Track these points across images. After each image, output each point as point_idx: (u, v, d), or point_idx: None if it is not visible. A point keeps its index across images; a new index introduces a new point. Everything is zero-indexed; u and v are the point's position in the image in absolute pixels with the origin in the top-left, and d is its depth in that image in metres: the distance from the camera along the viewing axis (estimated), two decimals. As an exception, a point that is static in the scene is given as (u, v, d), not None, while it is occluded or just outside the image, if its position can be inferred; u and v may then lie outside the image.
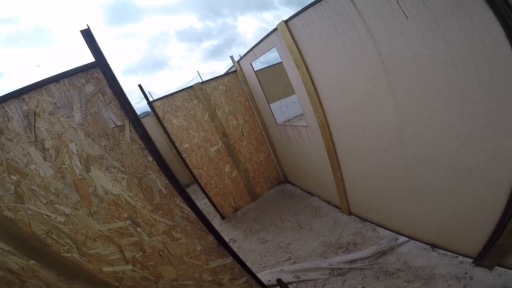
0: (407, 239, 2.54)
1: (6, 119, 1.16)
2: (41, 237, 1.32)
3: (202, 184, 3.96)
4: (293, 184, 4.64)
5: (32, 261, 1.34)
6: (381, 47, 1.81)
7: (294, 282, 2.56)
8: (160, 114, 3.50)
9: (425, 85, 1.68)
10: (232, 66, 4.15)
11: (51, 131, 1.21)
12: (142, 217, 1.45)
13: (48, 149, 1.21)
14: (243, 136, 4.25)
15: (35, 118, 1.18)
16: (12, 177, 1.20)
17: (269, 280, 2.64)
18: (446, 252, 2.22)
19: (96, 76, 1.23)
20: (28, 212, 1.26)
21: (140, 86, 3.30)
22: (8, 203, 1.22)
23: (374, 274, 2.31)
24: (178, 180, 1.43)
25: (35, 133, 1.19)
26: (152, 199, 1.43)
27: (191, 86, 3.69)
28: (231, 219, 4.31)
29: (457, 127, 1.65)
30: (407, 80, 1.77)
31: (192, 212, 1.55)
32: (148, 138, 1.30)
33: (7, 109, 1.16)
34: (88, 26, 1.17)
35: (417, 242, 2.45)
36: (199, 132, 3.83)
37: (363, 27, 1.84)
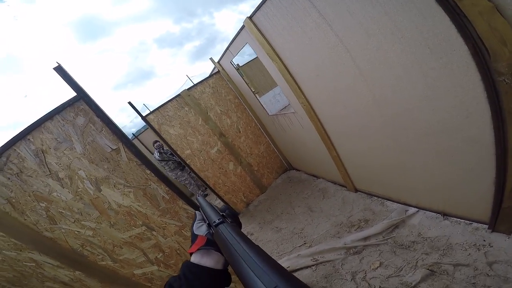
0: (416, 209, 2.52)
1: (21, 159, 1.37)
2: (78, 250, 1.56)
3: (211, 185, 4.17)
4: (298, 170, 4.79)
5: (77, 272, 1.58)
6: (336, 28, 1.91)
7: (313, 265, 2.61)
8: (156, 126, 3.68)
9: (384, 57, 1.78)
10: (214, 68, 4.29)
11: (60, 164, 1.41)
12: (154, 222, 1.65)
13: (62, 178, 1.42)
14: (240, 132, 4.41)
15: (44, 155, 1.39)
16: (41, 204, 1.43)
17: (289, 267, 2.74)
18: (458, 219, 2.17)
19: (83, 108, 1.42)
20: (62, 230, 1.49)
21: (130, 103, 3.47)
22: (44, 225, 1.46)
23: (390, 249, 2.30)
24: (177, 186, 1.62)
25: (48, 168, 1.40)
26: (158, 205, 1.63)
27: (179, 94, 3.86)
28: (245, 214, 4.50)
29: (424, 92, 1.72)
30: (368, 55, 1.87)
31: (194, 211, 1.75)
32: (142, 155, 1.50)
33: (18, 151, 1.37)
34: (58, 63, 1.33)
35: (427, 212, 2.43)
36: (196, 137, 4.01)
37: (316, 12, 1.94)
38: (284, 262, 2.86)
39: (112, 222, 1.58)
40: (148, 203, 1.59)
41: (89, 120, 1.40)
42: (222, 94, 4.18)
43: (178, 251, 1.81)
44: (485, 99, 1.46)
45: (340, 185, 3.63)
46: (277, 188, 4.70)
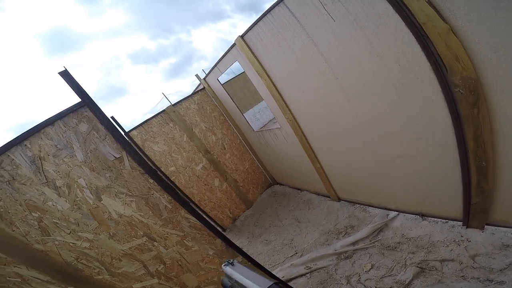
0: (396, 213, 2.69)
1: (14, 166, 1.29)
2: (72, 263, 1.44)
3: (196, 202, 4.07)
4: (282, 184, 4.88)
5: None
6: (321, 48, 2.13)
7: (307, 273, 2.65)
8: (139, 143, 3.59)
9: (363, 75, 2.01)
10: (199, 84, 4.37)
11: (58, 172, 1.35)
12: (155, 232, 1.60)
13: (60, 187, 1.35)
14: (225, 149, 4.44)
15: (41, 162, 1.32)
16: (34, 214, 1.33)
17: (283, 276, 2.75)
18: (435, 219, 2.35)
19: (87, 115, 1.40)
20: (56, 242, 1.38)
21: (113, 117, 3.37)
22: (35, 237, 1.35)
23: (379, 251, 2.40)
24: (180, 195, 1.61)
25: (45, 175, 1.33)
26: (161, 215, 1.59)
27: (164, 110, 3.84)
28: (231, 229, 4.42)
29: (396, 104, 1.96)
30: (349, 73, 2.09)
31: (197, 220, 1.73)
32: (146, 164, 1.48)
33: (13, 157, 1.29)
34: (65, 68, 1.33)
35: (406, 214, 2.61)
36: (181, 153, 3.96)
37: (304, 34, 2.16)
38: (278, 273, 2.86)
39: (111, 233, 1.50)
40: (150, 212, 1.55)
41: (93, 127, 1.38)
42: (207, 111, 4.24)
43: (179, 263, 1.75)
44: (446, 108, 1.72)
45: (324, 196, 3.77)
46: (262, 202, 4.73)
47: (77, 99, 1.36)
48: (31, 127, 1.28)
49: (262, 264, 3.10)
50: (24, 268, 1.33)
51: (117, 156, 1.44)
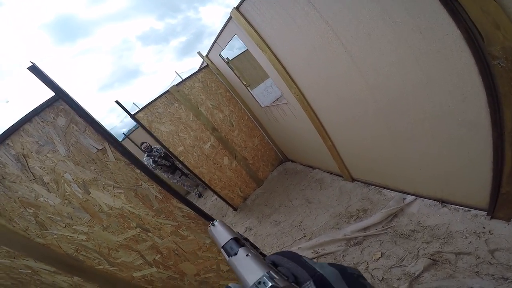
0: (414, 197, 2.48)
1: (1, 165, 1.29)
2: (73, 255, 1.50)
3: (207, 182, 4.12)
4: (293, 161, 4.76)
5: (76, 277, 1.53)
6: (325, 15, 1.85)
7: (314, 258, 2.58)
8: (146, 124, 3.59)
9: (376, 43, 1.73)
10: (203, 62, 4.19)
11: (44, 168, 1.34)
12: (148, 223, 1.60)
13: (48, 183, 1.35)
14: (233, 126, 4.35)
15: (26, 160, 1.31)
16: (29, 210, 1.37)
17: None
18: (457, 206, 2.14)
19: (63, 109, 1.34)
20: (54, 236, 1.43)
21: (117, 102, 3.36)
22: (35, 231, 1.40)
23: (391, 239, 2.28)
24: (169, 185, 1.57)
25: (31, 172, 1.33)
26: (152, 205, 1.58)
27: (167, 91, 3.76)
28: (242, 208, 4.47)
29: (418, 77, 1.69)
30: (359, 42, 1.82)
31: (190, 209, 1.70)
32: (130, 154, 1.43)
33: (-1, 157, 1.29)
34: (32, 62, 1.24)
35: (425, 199, 2.39)
36: (188, 133, 3.94)
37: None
38: None
39: (105, 225, 1.52)
40: (141, 203, 1.54)
41: (71, 120, 1.32)
42: (212, 88, 4.09)
43: (176, 252, 1.77)
44: (480, 83, 1.43)
45: (337, 175, 3.60)
46: (273, 180, 4.68)
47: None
48: (8, 127, 1.25)
49: (269, 248, 3.16)
50: (32, 261, 1.41)
51: (99, 147, 1.40)
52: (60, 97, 1.27)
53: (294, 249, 2.87)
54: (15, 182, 1.33)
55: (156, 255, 1.72)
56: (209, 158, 4.14)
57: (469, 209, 2.07)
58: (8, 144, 1.28)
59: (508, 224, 1.80)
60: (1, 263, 1.37)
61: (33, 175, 1.34)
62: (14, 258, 1.38)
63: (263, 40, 2.59)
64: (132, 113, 3.54)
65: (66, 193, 1.41)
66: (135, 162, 1.43)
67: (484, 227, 1.89)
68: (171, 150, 3.76)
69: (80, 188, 1.41)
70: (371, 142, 2.53)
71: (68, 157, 1.35)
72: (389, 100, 2.00)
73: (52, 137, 1.31)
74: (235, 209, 4.50)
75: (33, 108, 1.26)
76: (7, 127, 1.27)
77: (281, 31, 2.33)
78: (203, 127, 4.04)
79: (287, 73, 2.72)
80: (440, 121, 1.80)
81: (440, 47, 1.47)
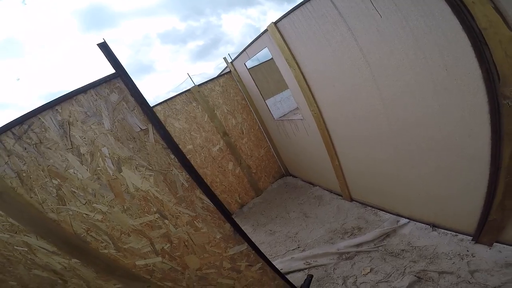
0: (407, 220, 2.66)
1: (43, 129, 1.31)
2: (82, 235, 1.47)
3: (208, 183, 4.11)
4: (295, 176, 4.83)
5: (74, 260, 1.49)
6: (362, 43, 2.01)
7: (306, 269, 2.69)
8: (161, 118, 3.64)
9: (403, 76, 1.89)
10: (226, 67, 4.32)
11: (84, 138, 1.37)
12: (168, 210, 1.61)
13: (83, 154, 1.37)
14: (243, 133, 4.43)
15: (69, 127, 1.34)
16: (54, 181, 1.36)
17: (281, 269, 2.75)
18: (446, 231, 2.33)
19: (119, 86, 1.39)
20: (70, 212, 1.41)
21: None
22: (51, 205, 1.37)
23: (381, 256, 2.41)
24: (198, 174, 1.60)
25: (71, 141, 1.35)
26: (176, 192, 1.60)
27: (189, 90, 3.85)
28: (238, 214, 4.48)
29: (434, 110, 1.85)
30: (387, 72, 1.97)
31: (210, 202, 1.73)
32: (170, 138, 1.47)
33: (43, 120, 1.31)
34: (104, 40, 1.33)
35: (417, 223, 2.58)
36: (200, 133, 3.99)
37: (345, 26, 2.04)
38: (277, 265, 2.88)
39: (125, 207, 1.52)
40: (167, 189, 1.56)
41: (123, 98, 1.37)
42: (230, 94, 4.20)
43: (186, 243, 1.77)
44: (488, 120, 1.61)
45: (336, 194, 3.71)
46: (272, 192, 4.73)
47: (103, 73, 1.35)
48: (64, 94, 1.29)
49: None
50: (34, 238, 1.36)
51: (143, 127, 1.44)
52: (120, 75, 1.32)
53: (286, 258, 2.92)
54: (50, 149, 1.34)
55: (166, 244, 1.71)
56: (215, 160, 4.18)
57: (456, 233, 2.26)
58: (57, 109, 1.30)
59: (490, 249, 2.00)
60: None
61: (71, 144, 1.36)
62: (16, 233, 1.34)
63: (293, 57, 2.73)
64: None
65: (98, 168, 1.42)
66: (172, 147, 1.47)
67: (468, 250, 2.08)
68: (180, 146, 3.77)
69: (113, 165, 1.43)
70: (378, 163, 2.67)
71: (111, 131, 1.38)
72: (403, 127, 2.15)
73: (101, 110, 1.35)
74: (230, 214, 4.47)
75: (91, 81, 1.31)
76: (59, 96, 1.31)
77: (313, 50, 2.47)
78: (215, 130, 4.10)
79: (310, 91, 2.84)
80: (446, 152, 1.96)
81: (460, 84, 1.63)
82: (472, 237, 2.12)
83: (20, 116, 1.29)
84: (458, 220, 2.21)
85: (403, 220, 2.70)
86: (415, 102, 1.94)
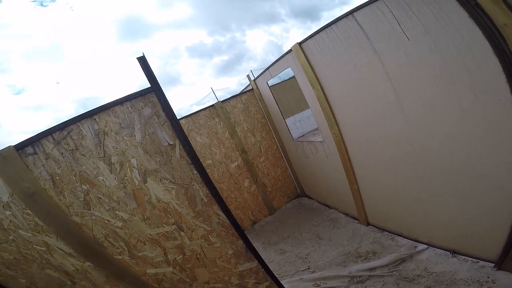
0: (426, 246, 2.54)
1: (81, 136, 1.42)
2: (100, 240, 1.54)
3: (223, 198, 4.14)
4: (310, 198, 4.74)
5: (87, 263, 1.54)
6: (388, 67, 2.01)
7: None
8: (185, 132, 3.76)
9: (430, 101, 1.86)
10: (249, 85, 4.45)
11: (116, 148, 1.46)
12: (185, 223, 1.65)
13: (113, 163, 1.46)
14: (261, 152, 4.46)
15: (104, 137, 1.44)
16: (83, 186, 1.45)
17: None
18: (466, 257, 2.22)
19: (152, 101, 1.49)
20: (93, 217, 1.49)
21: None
22: (77, 209, 1.46)
23: (394, 281, 2.31)
24: (217, 190, 1.63)
25: (104, 150, 1.44)
26: (195, 206, 1.64)
27: (213, 105, 4.00)
28: (249, 231, 4.42)
29: (462, 139, 1.79)
30: (413, 97, 1.95)
31: (226, 218, 1.75)
32: (194, 154, 1.53)
33: (81, 128, 1.42)
34: (143, 54, 1.43)
35: (436, 249, 2.46)
36: (220, 149, 4.07)
37: (371, 49, 2.05)
38: (285, 285, 2.80)
39: (145, 216, 1.58)
40: (187, 202, 1.60)
41: (155, 112, 1.46)
42: (251, 112, 4.30)
43: (198, 256, 1.78)
44: None
45: (353, 217, 3.59)
46: (286, 212, 4.65)
47: (134, 86, 1.45)
48: (102, 104, 1.40)
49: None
50: (54, 238, 1.43)
51: (171, 143, 1.51)
52: (154, 90, 1.42)
53: (295, 279, 2.84)
54: (84, 156, 1.44)
55: (179, 256, 1.73)
56: (232, 177, 4.21)
57: (478, 260, 2.15)
58: (95, 119, 1.41)
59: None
60: (21, 235, 1.39)
61: (104, 153, 1.45)
62: (38, 232, 1.40)
63: (317, 78, 2.78)
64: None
65: (125, 178, 1.50)
66: (196, 163, 1.53)
67: (488, 277, 1.98)
68: (200, 160, 3.86)
69: (139, 176, 1.50)
70: (398, 189, 2.59)
71: (141, 144, 1.46)
72: (427, 154, 2.09)
73: (134, 123, 1.44)
74: (243, 231, 4.44)
75: (127, 94, 1.42)
76: (98, 106, 1.42)
77: (338, 73, 2.50)
78: (234, 147, 4.17)
79: (332, 113, 2.85)
80: (471, 180, 1.88)
81: (488, 111, 1.58)
82: (494, 264, 2.02)
83: (62, 123, 1.41)
84: (480, 247, 2.09)
85: (421, 246, 2.58)
86: (440, 128, 1.89)
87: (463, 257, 2.24)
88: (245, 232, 4.39)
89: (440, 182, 2.12)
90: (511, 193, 1.69)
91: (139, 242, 1.62)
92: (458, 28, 1.52)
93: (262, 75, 3.93)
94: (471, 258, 2.19)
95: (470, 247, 2.19)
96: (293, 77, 3.22)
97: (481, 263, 2.11)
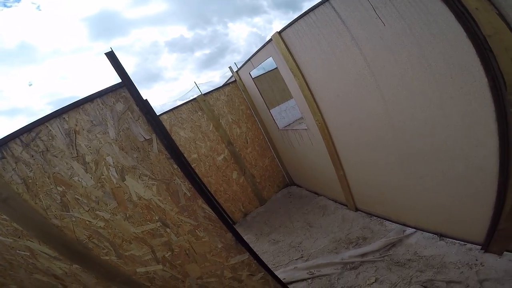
0: (414, 230, 2.62)
1: (50, 137, 1.35)
2: (84, 242, 1.48)
3: (212, 192, 4.12)
4: (299, 186, 4.80)
5: (75, 265, 1.50)
6: (366, 52, 2.02)
7: (309, 278, 2.65)
8: (167, 127, 3.68)
9: (408, 84, 1.88)
10: (231, 77, 4.38)
11: (90, 147, 1.39)
12: (170, 219, 1.62)
13: (88, 163, 1.40)
14: (247, 143, 4.44)
15: (75, 136, 1.37)
16: (59, 188, 1.38)
17: (284, 278, 2.72)
18: (453, 240, 2.28)
19: (124, 96, 1.42)
20: (73, 219, 1.43)
21: (146, 100, 3.48)
22: (55, 211, 1.40)
23: (386, 266, 2.37)
24: (200, 184, 1.61)
25: (76, 149, 1.38)
26: (178, 202, 1.60)
27: (195, 98, 3.91)
28: (241, 224, 4.44)
29: (439, 119, 1.83)
30: (392, 81, 1.97)
31: (212, 211, 1.72)
32: (173, 148, 1.49)
33: (50, 128, 1.34)
34: (111, 49, 1.36)
35: (424, 232, 2.53)
36: (205, 142, 4.02)
37: (348, 35, 2.05)
38: (280, 274, 2.85)
39: (128, 215, 1.54)
40: (169, 198, 1.57)
41: (128, 107, 1.40)
42: (235, 103, 4.24)
43: (187, 252, 1.76)
44: (495, 130, 1.58)
45: (341, 204, 3.67)
46: (276, 201, 4.69)
47: (107, 82, 1.39)
48: (71, 102, 1.33)
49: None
50: (36, 243, 1.38)
51: (147, 137, 1.46)
52: (125, 84, 1.36)
53: (289, 268, 2.89)
54: (56, 157, 1.37)
55: (167, 252, 1.71)
56: (220, 170, 4.18)
57: (465, 243, 2.21)
58: (64, 118, 1.34)
59: (499, 258, 1.96)
60: (1, 241, 1.34)
61: (77, 152, 1.39)
62: (19, 237, 1.36)
63: (298, 66, 2.75)
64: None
65: (102, 176, 1.44)
66: (175, 157, 1.49)
67: (476, 259, 2.04)
68: (185, 155, 3.81)
69: (117, 174, 1.45)
70: (383, 173, 2.64)
71: (116, 141, 1.40)
72: (408, 136, 2.13)
73: (107, 119, 1.38)
74: (233, 223, 4.45)
75: (97, 91, 1.35)
76: (67, 104, 1.35)
77: (317, 60, 2.49)
78: (220, 139, 4.13)
79: (314, 100, 2.85)
80: (452, 161, 1.93)
81: (465, 92, 1.61)
82: (481, 246, 2.08)
83: (29, 124, 1.32)
84: (466, 229, 2.16)
85: (410, 230, 2.66)
86: (420, 111, 1.92)
87: (451, 240, 2.31)
88: (237, 224, 4.43)
89: (422, 165, 2.17)
90: (490, 173, 1.73)
91: (124, 241, 1.58)
92: (432, 13, 1.53)
93: (244, 66, 3.86)
94: (458, 241, 2.26)
95: (456, 230, 2.25)
96: (277, 68, 3.19)
97: (468, 245, 2.18)
